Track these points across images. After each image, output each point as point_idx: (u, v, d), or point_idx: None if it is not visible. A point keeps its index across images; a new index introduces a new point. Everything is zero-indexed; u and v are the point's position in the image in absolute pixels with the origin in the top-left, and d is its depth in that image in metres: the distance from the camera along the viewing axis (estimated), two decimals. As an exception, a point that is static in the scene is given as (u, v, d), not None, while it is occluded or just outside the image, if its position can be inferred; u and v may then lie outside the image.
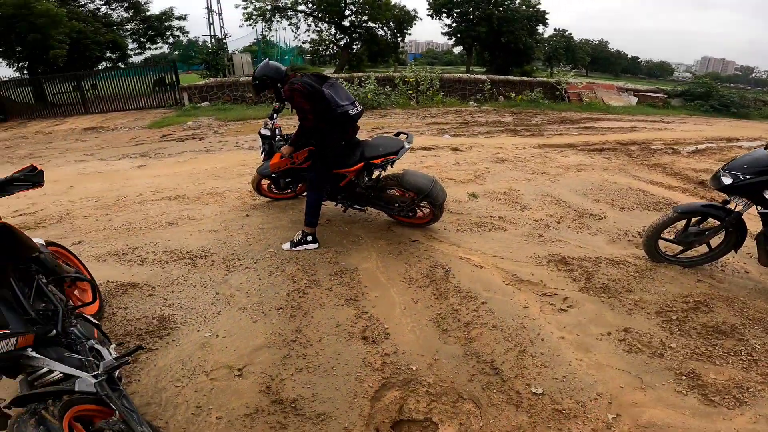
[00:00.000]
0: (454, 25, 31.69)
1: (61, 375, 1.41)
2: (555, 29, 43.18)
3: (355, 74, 13.54)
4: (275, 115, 3.72)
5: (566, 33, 43.52)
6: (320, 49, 29.48)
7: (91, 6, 19.50)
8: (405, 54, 35.88)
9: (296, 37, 32.09)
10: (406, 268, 2.99)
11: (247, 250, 3.25)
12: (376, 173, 3.52)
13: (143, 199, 4.55)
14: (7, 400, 1.22)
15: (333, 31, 28.07)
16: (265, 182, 4.16)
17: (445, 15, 31.61)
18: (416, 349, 2.21)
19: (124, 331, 2.37)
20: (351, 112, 3.04)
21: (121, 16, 20.89)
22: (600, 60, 56.44)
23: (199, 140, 8.05)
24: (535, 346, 2.21)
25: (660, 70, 72.79)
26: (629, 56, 68.17)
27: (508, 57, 29.47)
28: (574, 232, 3.59)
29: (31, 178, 1.80)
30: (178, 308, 2.57)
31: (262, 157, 3.80)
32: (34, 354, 1.38)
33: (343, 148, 3.22)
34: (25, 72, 16.76)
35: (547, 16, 31.44)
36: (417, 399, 1.93)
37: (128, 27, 21.17)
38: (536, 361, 2.12)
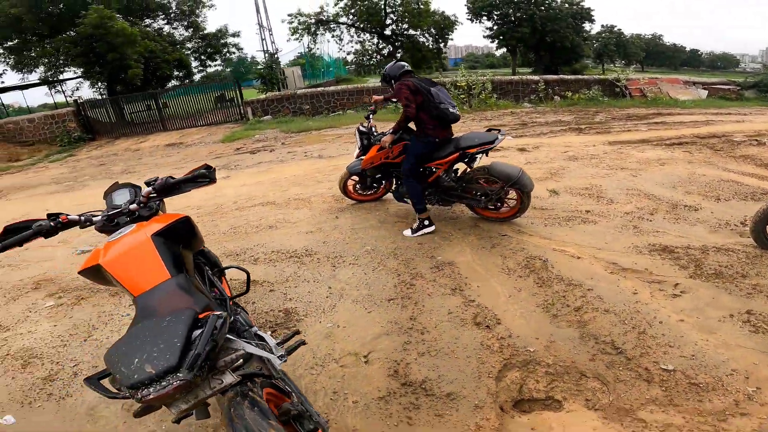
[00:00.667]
0: (495, 27, 31.45)
1: (241, 360, 1.31)
2: (602, 25, 41.81)
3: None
4: (371, 116, 4.06)
5: (615, 29, 41.93)
6: (364, 59, 30.18)
7: (155, 26, 20.67)
8: (446, 59, 35.97)
9: (341, 49, 33.09)
10: (502, 260, 3.12)
11: (345, 249, 3.50)
12: (461, 169, 3.71)
13: (239, 206, 4.94)
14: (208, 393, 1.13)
15: (375, 40, 28.74)
16: (350, 182, 4.44)
17: (485, 18, 31.47)
18: (529, 333, 2.33)
19: (257, 323, 2.59)
20: (450, 110, 3.38)
21: (183, 35, 21.98)
22: (655, 54, 53.65)
23: (270, 151, 8.55)
24: (654, 328, 2.28)
25: (724, 62, 67.95)
26: (688, 49, 64.30)
27: (555, 56, 28.84)
28: (670, 223, 3.57)
29: (210, 175, 1.89)
30: (298, 302, 2.80)
31: (356, 153, 4.09)
32: (232, 337, 1.34)
33: (437, 144, 3.48)
34: (104, 92, 18.02)
35: (592, 12, 30.60)
36: (536, 379, 2.04)
37: (189, 45, 22.26)
38: (659, 341, 2.18)
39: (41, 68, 17.76)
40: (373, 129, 4.01)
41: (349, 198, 4.53)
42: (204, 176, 1.87)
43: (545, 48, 29.07)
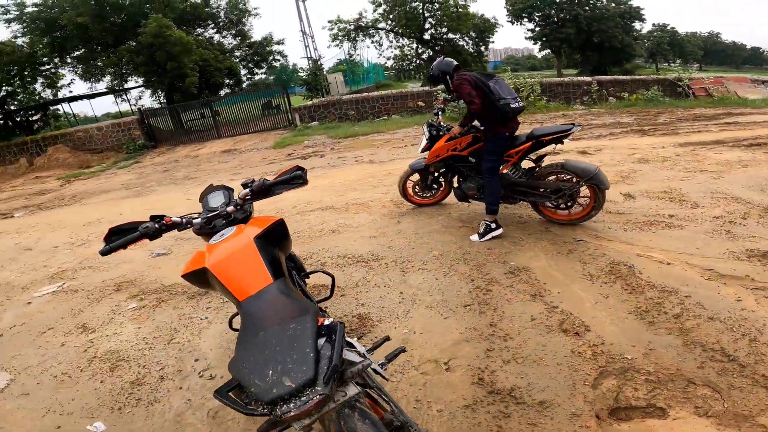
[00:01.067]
0: (537, 29, 30.82)
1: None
2: (654, 24, 40.10)
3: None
4: (440, 113, 4.08)
5: (668, 27, 40.05)
6: (403, 64, 30.24)
7: (206, 35, 21.28)
8: (487, 63, 35.49)
9: (380, 54, 33.28)
10: (582, 265, 3.00)
11: (412, 254, 3.46)
12: (526, 165, 3.65)
13: (299, 211, 5.03)
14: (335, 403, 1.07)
15: (414, 45, 28.68)
16: (410, 184, 4.44)
17: (525, 19, 30.92)
18: (624, 340, 2.22)
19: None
20: (512, 105, 3.27)
21: (231, 43, 22.54)
22: (713, 53, 50.82)
23: (321, 157, 8.72)
24: (766, 336, 2.13)
25: (789, 60, 63.20)
26: (749, 47, 60.39)
27: (604, 56, 27.84)
28: (766, 228, 3.33)
29: (304, 177, 1.83)
30: (371, 307, 2.76)
31: (422, 146, 4.06)
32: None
33: (507, 137, 3.44)
34: (163, 101, 18.69)
35: (642, 11, 29.43)
36: (635, 386, 1.94)
37: (237, 53, 22.80)
38: (775, 349, 2.03)
39: (107, 77, 18.79)
40: (441, 124, 4.01)
41: (408, 201, 4.52)
42: (299, 178, 1.85)
43: (592, 48, 28.19)
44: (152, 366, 2.48)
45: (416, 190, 4.48)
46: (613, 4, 29.04)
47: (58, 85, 19.08)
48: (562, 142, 3.40)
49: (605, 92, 11.67)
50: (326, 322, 1.18)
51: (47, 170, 13.32)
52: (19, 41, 16.83)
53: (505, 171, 3.58)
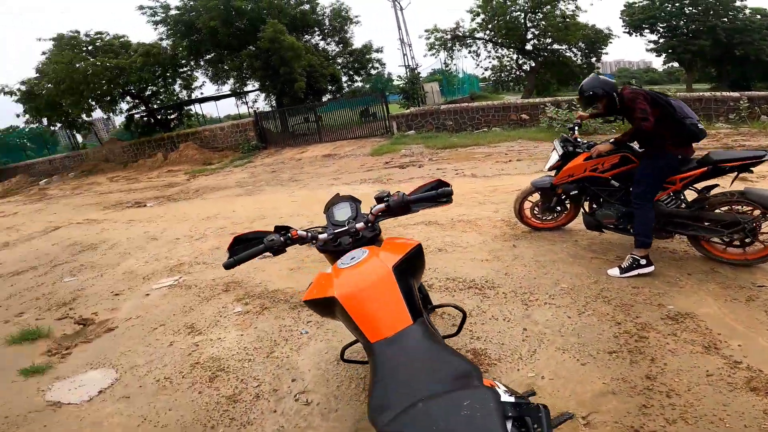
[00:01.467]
0: (662, 40, 27.78)
1: None
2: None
3: (560, 98, 12.75)
4: (576, 129, 3.63)
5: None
6: (501, 75, 29.13)
7: (313, 41, 21.99)
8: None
9: (477, 65, 32.23)
10: (770, 317, 2.37)
11: (534, 284, 3.05)
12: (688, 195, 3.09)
13: (400, 223, 4.77)
14: None
15: (514, 56, 27.44)
16: (528, 204, 4.01)
17: (647, 30, 28.05)
18: (841, 402, 1.70)
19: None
20: (700, 126, 2.81)
21: (334, 50, 23.16)
22: None
23: (419, 167, 8.51)
24: None
25: None
26: None
27: (747, 70, 24.29)
28: None
29: (450, 195, 1.58)
30: (488, 342, 2.46)
31: (549, 164, 3.64)
32: None
33: (679, 161, 2.94)
34: (273, 104, 19.82)
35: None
36: None
37: (339, 60, 23.28)
38: None
39: (231, 80, 20.31)
40: (579, 140, 3.55)
41: (523, 223, 4.07)
42: (445, 195, 1.55)
43: (733, 62, 24.72)
44: (249, 381, 2.42)
45: (534, 212, 4.03)
46: (759, 16, 25.27)
47: (192, 86, 21.31)
48: (751, 171, 2.79)
49: (758, 109, 9.85)
50: (503, 395, 0.94)
51: (178, 165, 15.06)
52: (164, 43, 18.82)
53: (656, 199, 3.02)
